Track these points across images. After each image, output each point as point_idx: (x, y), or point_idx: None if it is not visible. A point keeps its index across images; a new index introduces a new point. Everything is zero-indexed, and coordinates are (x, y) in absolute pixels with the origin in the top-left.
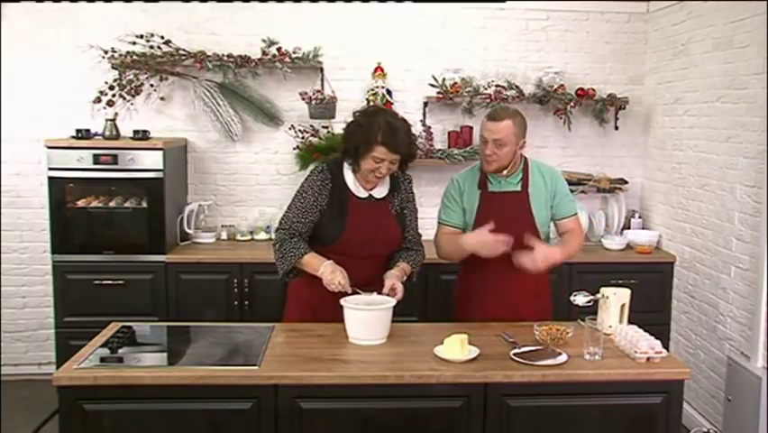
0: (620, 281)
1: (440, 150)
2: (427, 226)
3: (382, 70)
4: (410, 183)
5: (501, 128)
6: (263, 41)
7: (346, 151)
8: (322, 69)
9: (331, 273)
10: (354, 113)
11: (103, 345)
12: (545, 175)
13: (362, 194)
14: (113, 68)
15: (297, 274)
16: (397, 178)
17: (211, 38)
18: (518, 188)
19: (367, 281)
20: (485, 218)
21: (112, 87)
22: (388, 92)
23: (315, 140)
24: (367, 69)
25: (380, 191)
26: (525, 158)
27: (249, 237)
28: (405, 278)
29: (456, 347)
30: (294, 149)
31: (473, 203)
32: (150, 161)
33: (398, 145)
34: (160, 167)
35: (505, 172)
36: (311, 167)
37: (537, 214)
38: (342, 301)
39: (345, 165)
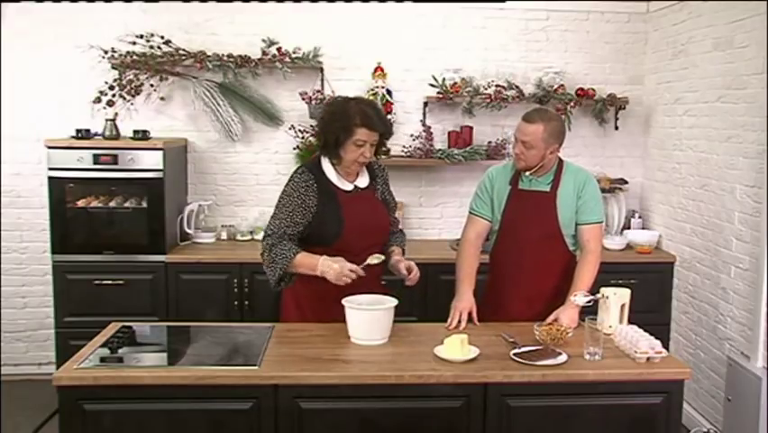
0: (620, 281)
1: (440, 150)
2: (427, 226)
3: (382, 70)
4: (386, 172)
5: (530, 131)
6: (263, 41)
7: (326, 144)
8: (322, 69)
9: (336, 269)
10: (324, 106)
11: (103, 345)
12: (577, 178)
13: (348, 187)
14: (113, 68)
15: (290, 280)
16: (372, 165)
17: (211, 38)
18: (547, 188)
19: (368, 273)
20: (511, 214)
21: (112, 87)
22: (388, 92)
23: (315, 140)
24: (367, 69)
25: (363, 181)
26: (561, 159)
27: (249, 237)
28: None
29: (456, 347)
30: (294, 149)
31: (502, 198)
32: (150, 161)
33: (377, 123)
34: (160, 167)
35: (528, 173)
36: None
37: (562, 216)
38: (343, 301)
39: (324, 163)
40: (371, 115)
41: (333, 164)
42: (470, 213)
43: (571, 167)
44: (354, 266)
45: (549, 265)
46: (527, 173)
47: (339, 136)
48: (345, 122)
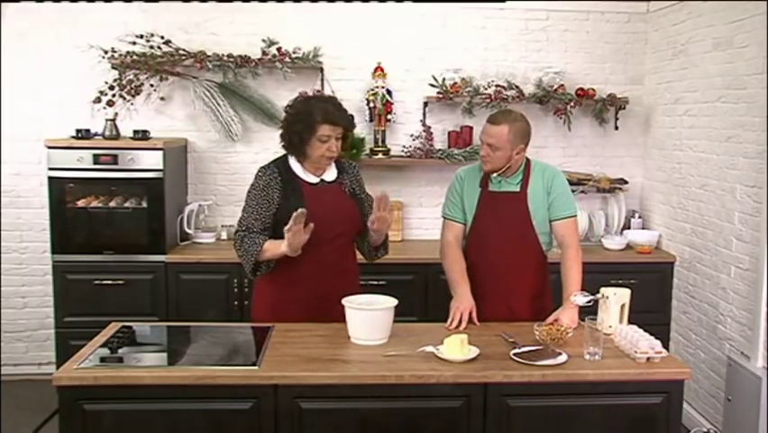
0: (620, 281)
1: (440, 150)
2: (427, 226)
3: (382, 70)
4: (357, 170)
5: (495, 132)
6: (263, 41)
7: (291, 143)
8: (322, 69)
9: (286, 237)
10: (285, 108)
11: (103, 345)
12: (544, 174)
13: (314, 180)
14: (113, 68)
15: (267, 268)
16: (342, 162)
17: (211, 38)
18: (517, 189)
19: (339, 267)
20: (483, 217)
21: (112, 87)
22: (388, 92)
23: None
24: (367, 69)
25: (330, 175)
26: (528, 159)
27: None
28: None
29: (456, 347)
30: None
31: (473, 201)
32: (150, 161)
33: (338, 117)
34: (160, 167)
35: (495, 174)
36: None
37: (535, 215)
38: (344, 301)
39: (290, 158)
40: (332, 110)
41: (299, 160)
42: (445, 218)
43: (538, 164)
44: (289, 224)
45: (523, 267)
46: (495, 174)
47: (303, 134)
48: (307, 119)
